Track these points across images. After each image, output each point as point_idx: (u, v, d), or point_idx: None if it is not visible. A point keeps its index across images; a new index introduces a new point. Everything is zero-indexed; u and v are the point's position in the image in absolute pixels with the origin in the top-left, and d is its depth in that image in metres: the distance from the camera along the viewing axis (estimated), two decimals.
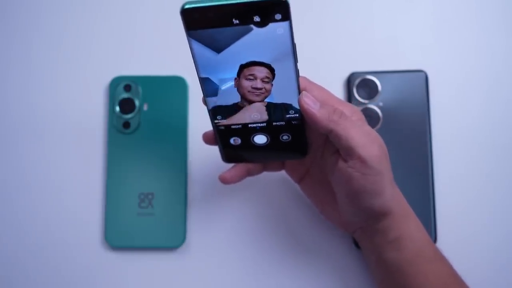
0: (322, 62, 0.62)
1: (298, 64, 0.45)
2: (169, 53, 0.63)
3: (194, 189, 0.61)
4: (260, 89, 0.46)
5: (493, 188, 0.60)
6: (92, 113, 0.63)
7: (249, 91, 0.46)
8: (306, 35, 0.63)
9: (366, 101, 0.61)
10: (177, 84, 0.62)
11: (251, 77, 0.45)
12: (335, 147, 0.48)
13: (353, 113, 0.49)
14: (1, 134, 0.63)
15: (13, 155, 0.62)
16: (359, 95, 0.61)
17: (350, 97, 0.61)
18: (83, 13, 0.65)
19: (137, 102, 0.62)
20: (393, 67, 0.62)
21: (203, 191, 0.61)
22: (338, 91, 0.62)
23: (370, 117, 0.60)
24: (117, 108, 0.62)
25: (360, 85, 0.61)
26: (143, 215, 0.60)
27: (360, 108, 0.60)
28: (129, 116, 0.61)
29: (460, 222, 0.59)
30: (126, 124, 0.61)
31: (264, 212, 0.60)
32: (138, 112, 0.61)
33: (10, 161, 0.62)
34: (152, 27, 0.64)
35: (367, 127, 0.49)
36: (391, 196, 0.48)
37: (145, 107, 0.62)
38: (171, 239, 0.59)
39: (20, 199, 0.62)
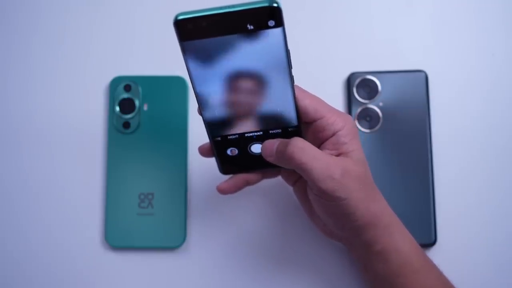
0: (322, 62, 0.62)
1: (294, 69, 0.44)
2: (169, 53, 0.63)
3: (194, 189, 0.61)
4: (243, 101, 0.46)
5: (493, 188, 0.60)
6: (92, 113, 0.63)
7: (233, 104, 0.46)
8: (306, 35, 0.63)
9: (366, 101, 0.61)
10: (177, 84, 0.62)
11: (235, 89, 0.45)
12: None
13: (345, 124, 0.48)
14: (1, 134, 0.63)
15: (13, 154, 0.62)
16: (359, 95, 0.61)
17: (350, 97, 0.61)
18: (82, 13, 0.65)
19: (137, 102, 0.62)
20: (393, 67, 0.62)
21: (203, 191, 0.61)
22: (338, 91, 0.62)
23: (370, 117, 0.60)
24: (117, 108, 0.62)
25: (360, 85, 0.61)
26: (143, 215, 0.60)
27: (360, 108, 0.60)
28: (129, 116, 0.61)
29: (460, 223, 0.59)
30: (126, 124, 0.61)
31: (264, 212, 0.60)
32: (138, 112, 0.61)
33: (10, 161, 0.62)
34: (152, 27, 0.64)
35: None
36: (366, 213, 0.48)
37: (145, 107, 0.62)
38: (171, 239, 0.59)
39: (21, 199, 0.61)
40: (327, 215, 0.49)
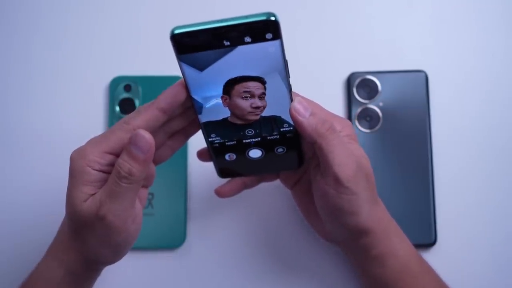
0: (322, 62, 0.62)
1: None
2: (169, 53, 0.63)
3: (194, 189, 0.61)
4: (260, 107, 0.45)
5: (493, 188, 0.60)
6: (92, 113, 0.63)
7: (249, 112, 0.45)
8: (307, 35, 0.63)
9: (366, 101, 0.61)
10: None
11: (248, 95, 0.44)
12: (318, 159, 0.48)
13: (343, 128, 0.48)
14: (1, 134, 0.63)
15: (13, 155, 0.62)
16: (359, 95, 0.61)
17: (350, 97, 0.61)
18: (83, 13, 0.65)
19: (137, 102, 0.62)
20: (393, 67, 0.62)
21: (203, 191, 0.61)
22: (338, 91, 0.62)
23: (370, 117, 0.60)
24: (117, 108, 0.62)
25: (360, 85, 0.61)
26: (143, 215, 0.59)
27: (360, 108, 0.60)
28: None
29: (460, 222, 0.59)
30: None
31: (263, 213, 0.60)
32: None
33: (9, 161, 0.62)
34: (152, 27, 0.64)
35: (353, 145, 0.48)
36: (368, 215, 0.47)
37: None
38: (171, 239, 0.59)
39: (21, 200, 0.61)
40: (328, 211, 0.48)
